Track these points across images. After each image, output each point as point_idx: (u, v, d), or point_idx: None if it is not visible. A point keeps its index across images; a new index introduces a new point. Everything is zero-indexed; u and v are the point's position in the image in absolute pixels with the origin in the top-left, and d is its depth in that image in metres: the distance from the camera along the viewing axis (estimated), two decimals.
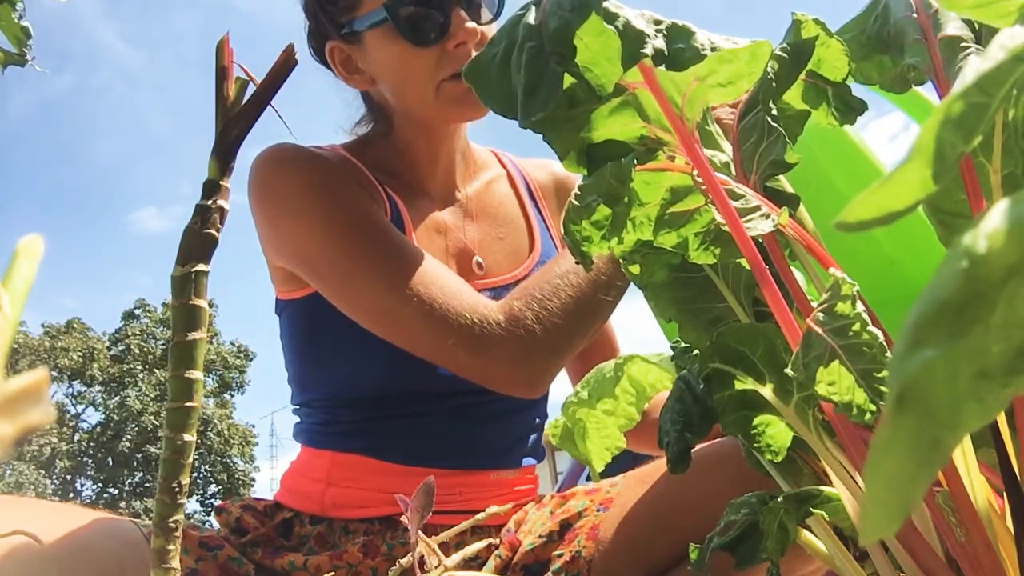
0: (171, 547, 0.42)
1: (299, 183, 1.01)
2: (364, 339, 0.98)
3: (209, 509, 23.45)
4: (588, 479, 1.64)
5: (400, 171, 1.12)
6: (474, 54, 1.02)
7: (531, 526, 1.03)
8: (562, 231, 0.56)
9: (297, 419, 1.14)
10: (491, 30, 1.05)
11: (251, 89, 0.46)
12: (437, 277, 0.95)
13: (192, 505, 23.42)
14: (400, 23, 1.01)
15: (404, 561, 0.60)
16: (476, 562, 0.98)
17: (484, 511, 1.02)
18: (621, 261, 0.63)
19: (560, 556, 0.97)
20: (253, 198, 1.05)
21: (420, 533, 0.58)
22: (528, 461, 1.13)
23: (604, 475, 1.02)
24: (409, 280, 0.93)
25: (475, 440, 1.07)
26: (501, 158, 1.26)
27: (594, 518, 1.00)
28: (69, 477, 23.78)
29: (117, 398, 24.06)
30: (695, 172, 0.53)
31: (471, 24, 1.02)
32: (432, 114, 1.08)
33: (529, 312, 0.92)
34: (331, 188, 1.01)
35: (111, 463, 23.86)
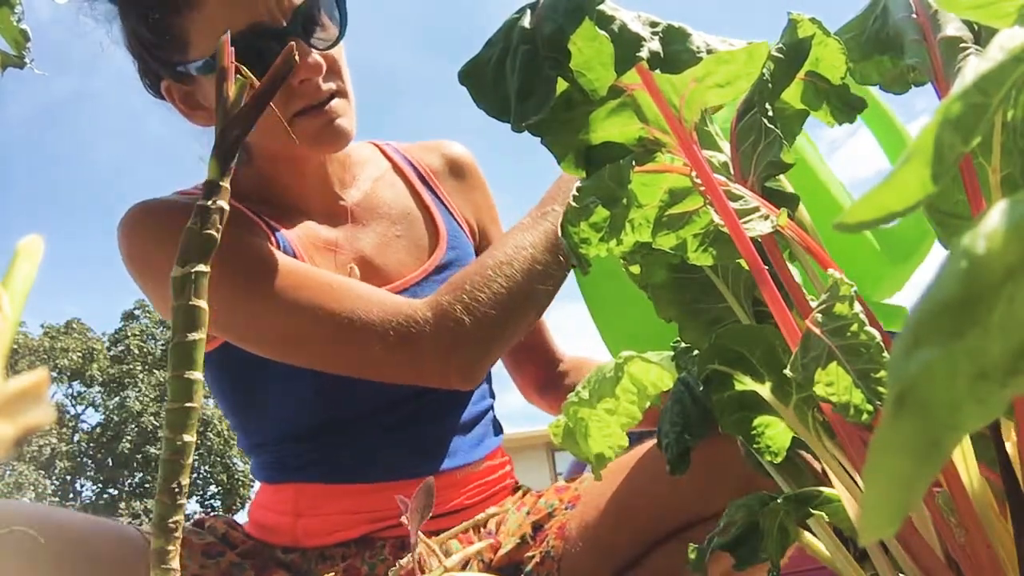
0: (171, 548, 0.42)
1: (171, 247, 0.94)
2: (287, 374, 0.96)
3: (209, 510, 23.44)
4: None
5: (271, 198, 1.06)
6: (323, 82, 0.95)
7: (509, 527, 1.02)
8: (560, 232, 0.56)
9: (250, 458, 1.11)
10: (337, 53, 0.98)
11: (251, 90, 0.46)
12: (350, 289, 0.92)
13: (192, 506, 23.41)
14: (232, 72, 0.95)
15: (404, 562, 0.59)
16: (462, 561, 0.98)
17: (466, 509, 1.03)
18: (622, 261, 0.63)
19: (532, 558, 0.96)
20: (128, 267, 0.98)
21: (420, 534, 0.58)
22: (489, 445, 1.10)
23: None
24: (323, 301, 0.90)
25: (429, 443, 1.04)
26: (385, 149, 1.21)
27: (562, 517, 0.99)
28: (69, 478, 23.75)
29: (117, 399, 24.03)
30: (693, 173, 0.53)
31: (313, 57, 0.93)
32: (288, 151, 1.01)
33: (458, 304, 0.89)
34: None
35: (111, 464, 23.84)
